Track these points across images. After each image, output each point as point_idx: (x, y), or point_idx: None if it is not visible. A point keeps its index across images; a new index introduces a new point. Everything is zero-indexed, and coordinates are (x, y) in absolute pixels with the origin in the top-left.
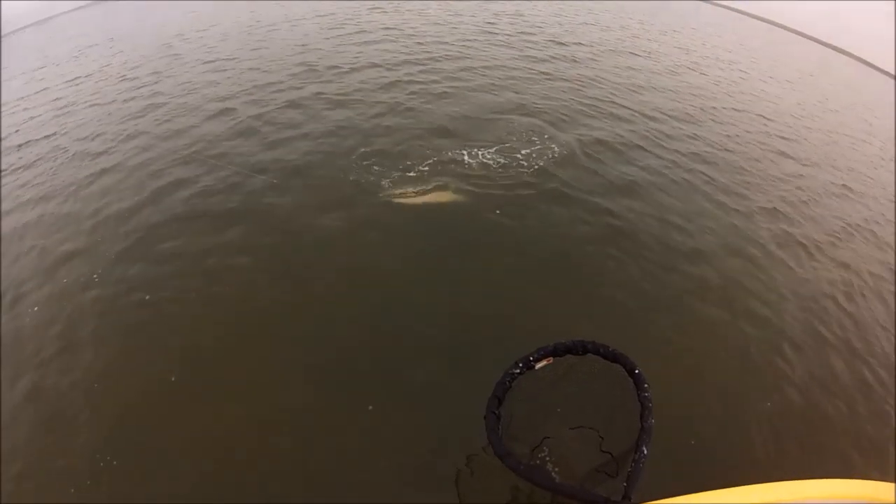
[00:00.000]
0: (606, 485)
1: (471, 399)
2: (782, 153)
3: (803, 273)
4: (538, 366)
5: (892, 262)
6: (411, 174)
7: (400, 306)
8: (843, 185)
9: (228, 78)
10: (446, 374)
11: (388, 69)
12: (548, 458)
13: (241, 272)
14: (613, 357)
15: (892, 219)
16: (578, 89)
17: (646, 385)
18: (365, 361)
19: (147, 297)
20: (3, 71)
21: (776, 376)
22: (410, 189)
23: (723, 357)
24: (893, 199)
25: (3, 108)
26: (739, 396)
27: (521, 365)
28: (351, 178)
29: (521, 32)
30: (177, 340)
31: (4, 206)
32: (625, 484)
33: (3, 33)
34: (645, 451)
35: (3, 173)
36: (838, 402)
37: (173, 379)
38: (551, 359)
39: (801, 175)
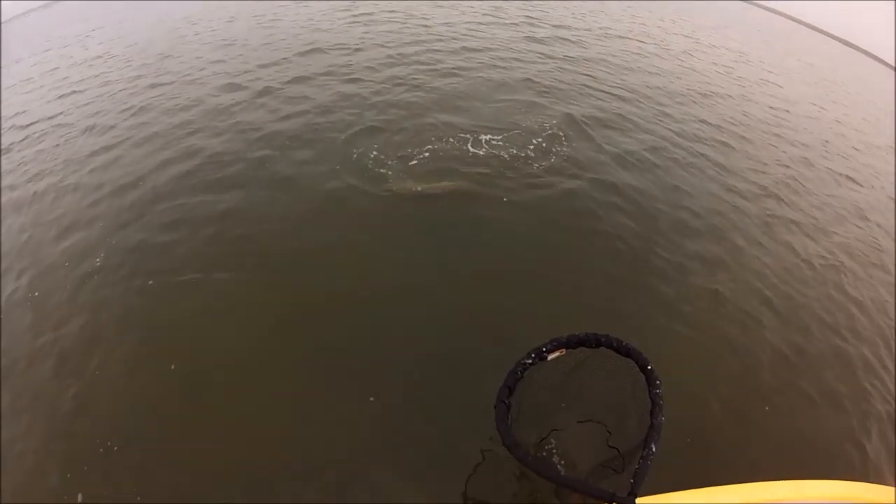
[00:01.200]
0: (611, 480)
1: (476, 391)
2: (788, 141)
3: (805, 256)
4: (550, 357)
5: (893, 248)
6: (414, 162)
7: (402, 296)
8: (845, 176)
9: (234, 57)
10: (450, 368)
11: (394, 48)
12: (554, 450)
13: (240, 255)
14: (626, 352)
15: (892, 206)
16: (586, 73)
17: (657, 382)
18: (366, 350)
19: (150, 283)
20: (9, 53)
21: (777, 364)
22: (414, 176)
23: (731, 354)
24: (894, 185)
25: (11, 89)
26: (742, 391)
27: (533, 355)
28: (351, 165)
29: (529, 17)
30: (177, 327)
31: (13, 180)
32: (631, 480)
33: (9, 17)
34: (653, 449)
35: (13, 150)
36: (841, 386)
37: (172, 367)
38: (564, 350)
39: (804, 161)
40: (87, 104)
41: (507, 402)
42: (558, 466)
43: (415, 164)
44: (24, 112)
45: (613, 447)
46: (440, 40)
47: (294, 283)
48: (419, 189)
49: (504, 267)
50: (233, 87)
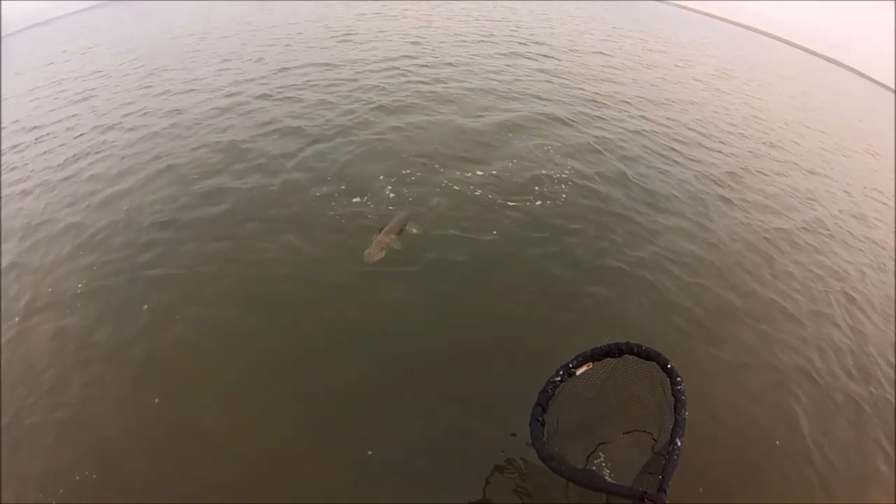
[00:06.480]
0: (649, 481)
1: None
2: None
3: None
4: (579, 372)
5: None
6: (411, 198)
7: (407, 333)
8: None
9: (231, 72)
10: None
11: (403, 73)
12: (604, 464)
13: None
14: (647, 354)
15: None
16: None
17: (679, 378)
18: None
19: (145, 308)
20: (20, 65)
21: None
22: (406, 214)
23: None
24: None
25: (17, 99)
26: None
27: (561, 373)
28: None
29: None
30: (172, 365)
31: (26, 184)
32: (660, 477)
33: (18, 28)
34: (679, 444)
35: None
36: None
37: (156, 401)
38: (591, 364)
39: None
40: (90, 115)
41: (540, 419)
42: (593, 472)
43: (408, 201)
44: (28, 119)
45: (659, 453)
46: (442, 64)
47: (289, 328)
48: (412, 227)
49: (509, 300)
50: (234, 102)
